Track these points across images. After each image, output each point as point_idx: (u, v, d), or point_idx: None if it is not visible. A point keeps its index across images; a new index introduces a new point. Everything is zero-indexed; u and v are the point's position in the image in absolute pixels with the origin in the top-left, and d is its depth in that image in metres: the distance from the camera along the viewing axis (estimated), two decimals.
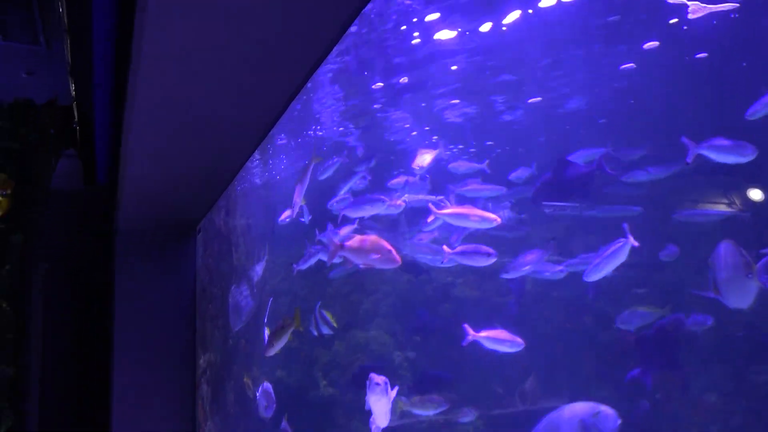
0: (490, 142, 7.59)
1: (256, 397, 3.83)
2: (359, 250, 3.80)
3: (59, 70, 5.32)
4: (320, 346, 4.46)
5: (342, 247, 3.85)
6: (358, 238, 3.89)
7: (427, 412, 5.13)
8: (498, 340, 4.40)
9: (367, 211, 4.84)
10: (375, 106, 6.77)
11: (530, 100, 6.96)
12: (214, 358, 5.37)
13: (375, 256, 3.72)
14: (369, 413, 3.66)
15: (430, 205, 4.73)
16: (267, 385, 4.17)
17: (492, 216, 4.73)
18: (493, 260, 4.49)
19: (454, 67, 6.07)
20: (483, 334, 4.32)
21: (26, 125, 5.07)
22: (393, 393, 3.72)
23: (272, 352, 4.56)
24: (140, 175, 4.24)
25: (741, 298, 3.58)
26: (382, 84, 6.30)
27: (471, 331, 4.20)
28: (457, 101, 6.85)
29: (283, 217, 5.78)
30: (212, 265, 5.66)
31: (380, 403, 3.68)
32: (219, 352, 5.26)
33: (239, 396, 4.99)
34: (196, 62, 2.61)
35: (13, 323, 4.96)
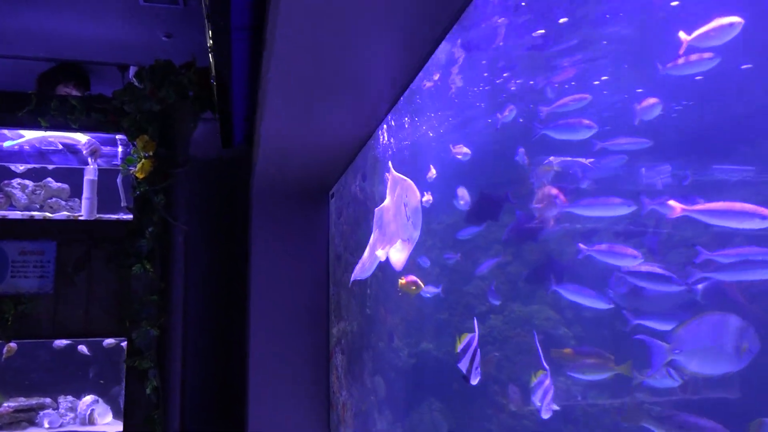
0: None
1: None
2: None
3: (196, 30, 5.26)
4: (473, 319, 4.06)
5: None
6: None
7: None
8: None
9: None
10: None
11: None
12: (351, 327, 5.21)
13: None
14: None
15: None
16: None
17: None
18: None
19: None
20: None
21: (166, 87, 5.06)
22: None
23: None
24: (275, 135, 4.05)
25: None
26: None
27: None
28: None
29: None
30: (347, 232, 5.48)
31: None
32: (356, 322, 5.06)
33: (384, 364, 4.74)
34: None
35: (157, 285, 5.04)
